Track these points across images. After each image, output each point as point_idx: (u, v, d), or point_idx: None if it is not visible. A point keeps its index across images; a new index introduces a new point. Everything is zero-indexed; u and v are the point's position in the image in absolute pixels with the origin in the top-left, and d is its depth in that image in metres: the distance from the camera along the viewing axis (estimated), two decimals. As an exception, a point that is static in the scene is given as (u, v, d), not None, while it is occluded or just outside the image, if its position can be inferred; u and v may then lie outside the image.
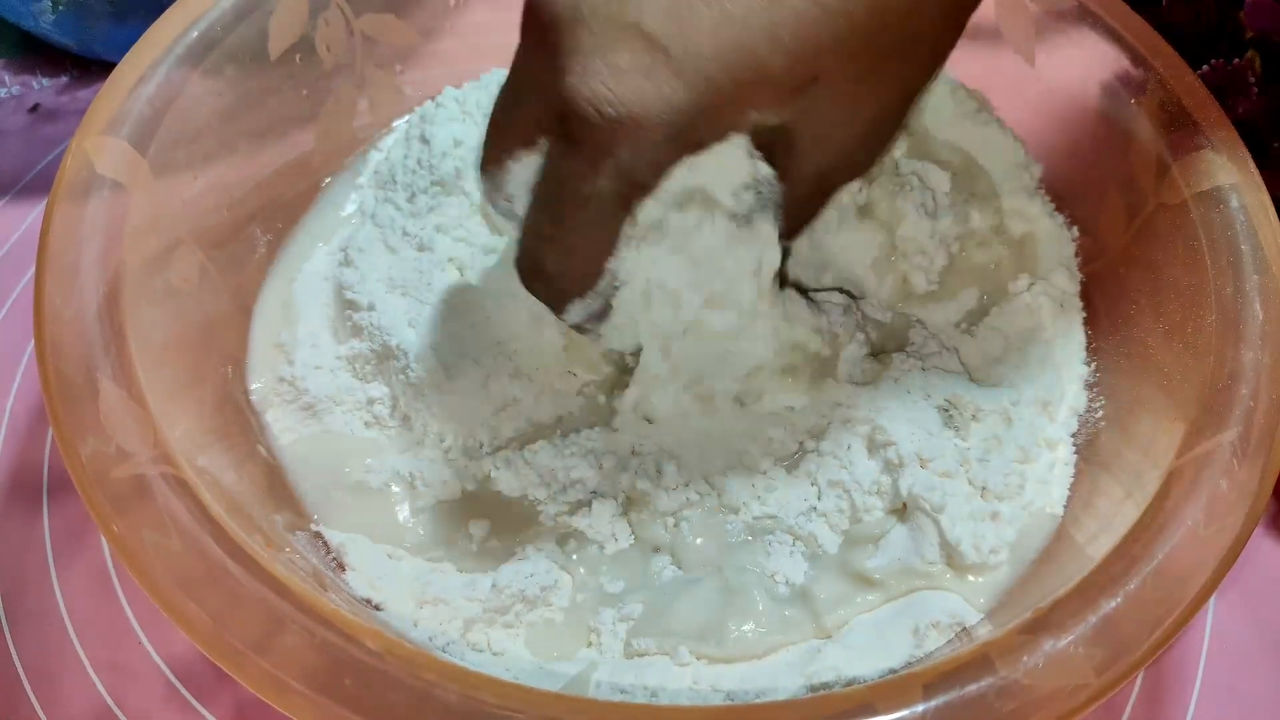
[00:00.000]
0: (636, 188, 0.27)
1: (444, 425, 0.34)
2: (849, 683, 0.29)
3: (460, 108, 0.40)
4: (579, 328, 0.31)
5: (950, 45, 0.29)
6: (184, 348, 0.31)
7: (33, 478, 0.38)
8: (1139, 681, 0.34)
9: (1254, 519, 0.26)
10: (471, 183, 0.37)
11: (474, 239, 0.37)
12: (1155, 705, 0.34)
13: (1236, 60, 0.39)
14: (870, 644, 0.30)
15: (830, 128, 0.28)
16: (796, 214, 0.31)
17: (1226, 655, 0.35)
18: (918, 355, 0.36)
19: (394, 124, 0.42)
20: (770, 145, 0.29)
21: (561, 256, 0.28)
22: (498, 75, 0.41)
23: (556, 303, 0.30)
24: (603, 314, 0.31)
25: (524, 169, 0.28)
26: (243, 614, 0.24)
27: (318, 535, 0.32)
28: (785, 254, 0.32)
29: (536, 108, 0.27)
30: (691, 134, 0.26)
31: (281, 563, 0.26)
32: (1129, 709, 0.34)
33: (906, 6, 0.26)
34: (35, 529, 0.37)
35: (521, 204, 0.29)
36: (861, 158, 0.30)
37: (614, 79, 0.25)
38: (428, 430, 0.34)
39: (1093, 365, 0.36)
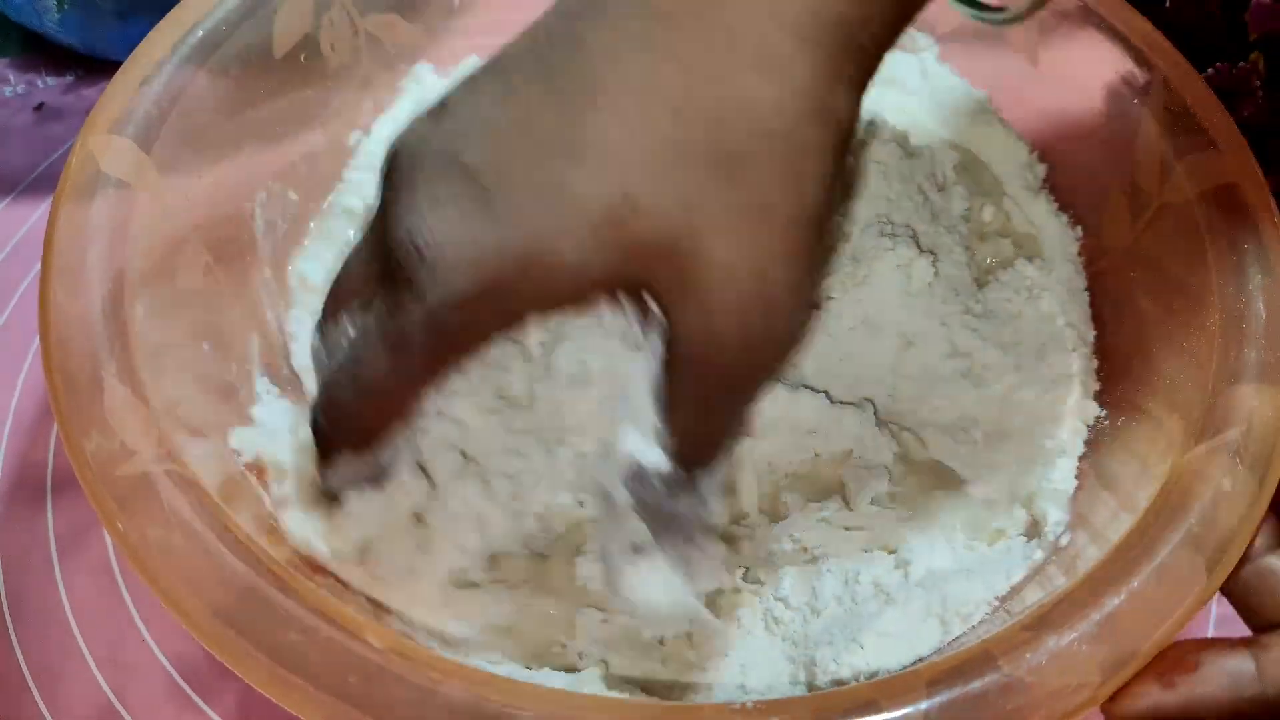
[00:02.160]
0: (446, 340, 0.24)
1: None
2: (871, 675, 0.29)
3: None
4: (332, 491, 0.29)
5: (828, 157, 0.23)
6: (189, 347, 0.31)
7: (37, 475, 0.38)
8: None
9: (1257, 517, 0.26)
10: None
11: None
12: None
13: (1241, 63, 0.39)
14: (900, 634, 0.30)
15: (708, 269, 0.23)
16: (688, 422, 0.25)
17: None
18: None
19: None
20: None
21: (357, 397, 0.25)
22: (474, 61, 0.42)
23: (326, 450, 0.27)
24: (372, 480, 0.28)
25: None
26: (247, 611, 0.24)
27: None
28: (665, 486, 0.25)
29: (378, 261, 0.25)
30: (514, 282, 0.23)
31: (286, 560, 0.26)
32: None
33: (743, 113, 0.22)
34: (39, 527, 0.37)
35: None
36: (770, 304, 0.23)
37: (430, 212, 0.23)
38: None
39: (1097, 363, 0.36)
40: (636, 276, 0.23)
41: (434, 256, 0.23)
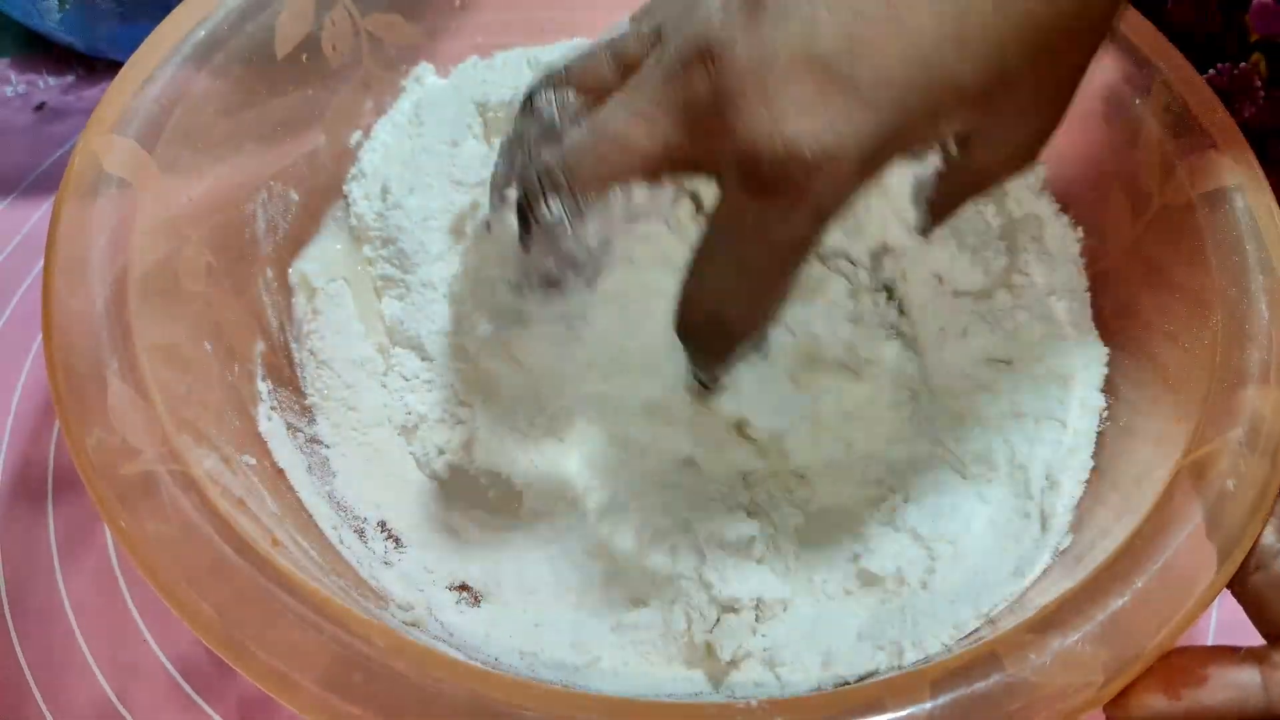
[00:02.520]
0: (828, 220, 0.26)
1: None
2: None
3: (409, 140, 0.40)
4: (706, 384, 0.30)
5: (1111, 17, 0.28)
6: (191, 347, 0.31)
7: (38, 475, 0.38)
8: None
9: (1261, 518, 0.26)
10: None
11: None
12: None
13: (1242, 64, 0.39)
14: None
15: (1012, 127, 0.28)
16: (946, 205, 0.31)
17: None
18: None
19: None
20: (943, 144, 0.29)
21: (748, 304, 0.27)
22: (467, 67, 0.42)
23: (729, 355, 0.29)
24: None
25: (619, 202, 0.27)
26: (250, 610, 0.24)
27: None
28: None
29: (684, 147, 0.26)
30: (883, 156, 0.25)
31: (289, 559, 0.26)
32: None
33: None
34: (40, 526, 0.37)
35: (592, 239, 0.27)
36: (1031, 150, 0.29)
37: (805, 118, 0.24)
38: None
39: (1099, 364, 0.36)
40: (972, 115, 0.26)
41: (817, 155, 0.24)
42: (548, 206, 0.27)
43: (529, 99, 0.30)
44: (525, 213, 0.28)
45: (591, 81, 0.29)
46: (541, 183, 0.27)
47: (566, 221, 0.27)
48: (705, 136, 0.26)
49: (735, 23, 0.25)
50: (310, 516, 0.33)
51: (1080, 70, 0.28)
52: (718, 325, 0.28)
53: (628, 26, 0.29)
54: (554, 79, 0.29)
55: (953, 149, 0.29)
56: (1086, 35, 0.27)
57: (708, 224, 0.27)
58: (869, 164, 0.25)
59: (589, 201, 0.27)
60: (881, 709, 0.23)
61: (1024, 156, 0.29)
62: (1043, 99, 0.28)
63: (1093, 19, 0.27)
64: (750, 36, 0.25)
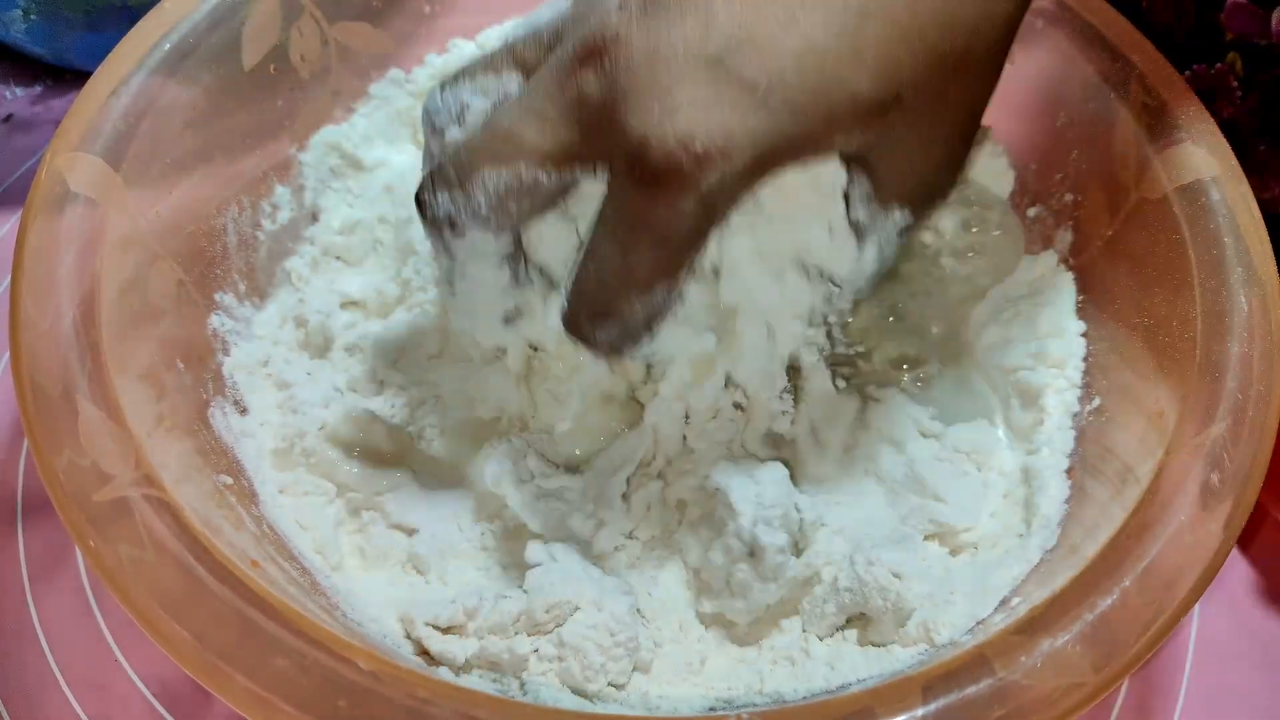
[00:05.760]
0: (717, 217, 0.26)
1: None
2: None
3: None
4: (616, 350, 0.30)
5: (1004, 58, 0.29)
6: (163, 366, 0.31)
7: (7, 497, 0.37)
8: (1124, 690, 0.34)
9: (1245, 510, 0.27)
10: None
11: None
12: (1142, 713, 0.34)
13: (1218, 64, 0.39)
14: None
15: (913, 152, 0.28)
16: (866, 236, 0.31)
17: (1212, 661, 0.35)
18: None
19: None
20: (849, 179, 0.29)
21: (638, 294, 0.27)
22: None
23: (623, 343, 0.28)
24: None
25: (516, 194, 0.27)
26: (229, 634, 0.23)
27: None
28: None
29: (575, 143, 0.27)
30: (777, 159, 0.26)
31: (269, 581, 0.25)
32: (1114, 717, 0.34)
33: (972, 21, 0.27)
34: (10, 549, 0.36)
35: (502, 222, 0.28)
36: (938, 183, 0.30)
37: (698, 113, 0.24)
38: None
39: (1081, 359, 0.36)
40: (868, 131, 0.27)
41: (709, 150, 0.25)
42: (437, 199, 0.28)
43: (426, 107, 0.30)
44: (422, 206, 0.28)
45: (489, 82, 0.29)
46: (434, 179, 0.28)
47: (459, 214, 0.28)
48: (596, 132, 0.26)
49: (630, 19, 0.26)
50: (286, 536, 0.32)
51: (979, 101, 0.29)
52: (608, 316, 0.28)
53: (567, 6, 0.29)
54: (448, 83, 0.30)
55: (859, 179, 0.29)
56: (983, 63, 0.28)
57: (596, 218, 0.27)
58: (761, 163, 0.26)
59: (478, 193, 0.27)
60: (872, 716, 0.23)
61: (930, 192, 0.30)
62: (941, 125, 0.28)
63: (988, 48, 0.28)
64: (645, 32, 0.25)
